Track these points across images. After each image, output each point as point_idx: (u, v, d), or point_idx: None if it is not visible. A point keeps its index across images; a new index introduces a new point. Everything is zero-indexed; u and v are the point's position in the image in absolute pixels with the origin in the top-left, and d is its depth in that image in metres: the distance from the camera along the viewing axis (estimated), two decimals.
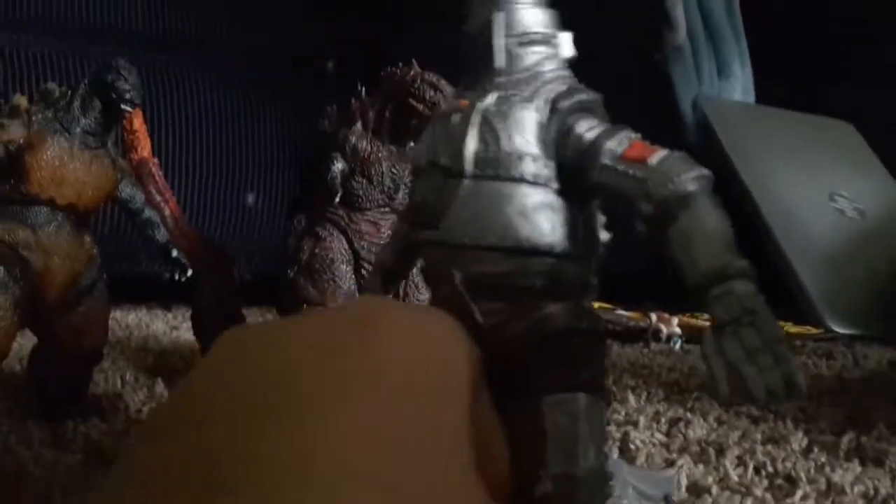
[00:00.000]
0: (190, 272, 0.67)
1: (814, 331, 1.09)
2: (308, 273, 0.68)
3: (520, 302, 0.29)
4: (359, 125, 0.70)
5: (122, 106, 0.58)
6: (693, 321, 1.18)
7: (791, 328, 1.13)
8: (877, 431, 0.62)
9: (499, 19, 0.31)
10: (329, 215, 0.70)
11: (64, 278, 0.58)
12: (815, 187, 1.09)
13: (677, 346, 1.10)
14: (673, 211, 0.26)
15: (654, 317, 1.14)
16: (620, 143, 0.28)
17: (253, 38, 1.39)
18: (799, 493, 0.47)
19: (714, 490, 0.47)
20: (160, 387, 0.69)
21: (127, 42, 1.28)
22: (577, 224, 0.30)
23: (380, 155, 0.69)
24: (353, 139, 0.69)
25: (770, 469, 0.52)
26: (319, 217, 0.70)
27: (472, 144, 0.29)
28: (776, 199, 1.04)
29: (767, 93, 1.32)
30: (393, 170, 0.69)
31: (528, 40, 0.31)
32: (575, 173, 0.29)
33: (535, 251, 0.29)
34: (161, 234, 0.66)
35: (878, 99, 1.33)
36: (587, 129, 0.29)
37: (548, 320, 0.29)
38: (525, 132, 0.29)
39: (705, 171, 0.27)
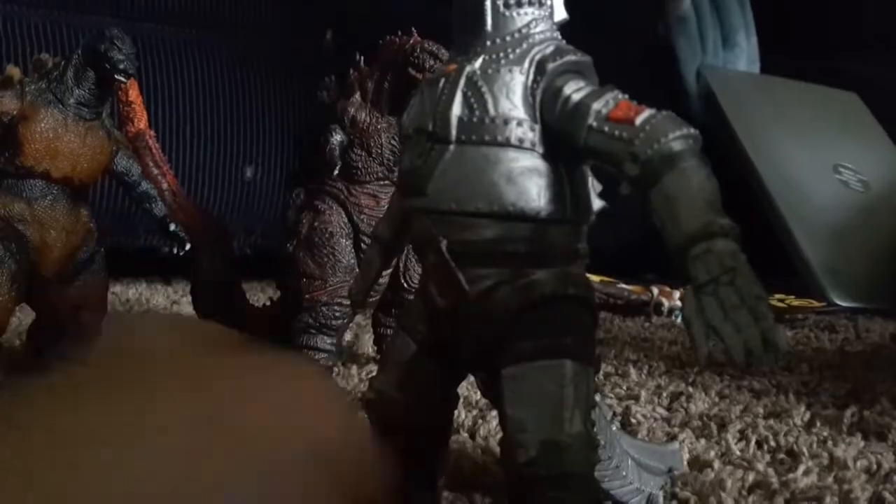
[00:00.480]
0: (188, 246, 0.66)
1: (816, 304, 1.08)
2: (307, 247, 0.68)
3: (506, 268, 0.29)
4: (357, 96, 0.69)
5: (116, 76, 0.57)
6: None
7: (794, 301, 1.13)
8: (879, 405, 0.62)
9: None
10: (328, 188, 0.69)
11: (61, 252, 0.57)
12: (819, 158, 1.08)
13: (679, 320, 1.10)
14: (658, 171, 0.26)
15: (655, 290, 1.13)
16: (606, 104, 0.28)
17: (251, 8, 1.37)
18: (801, 468, 0.47)
19: (716, 464, 0.47)
20: None
21: (122, 12, 1.26)
22: (565, 189, 0.30)
23: (379, 126, 0.68)
24: (352, 110, 0.68)
25: (772, 443, 0.52)
26: (318, 190, 0.69)
27: (457, 109, 0.29)
28: (780, 170, 1.03)
29: (773, 63, 1.30)
30: (392, 141, 0.68)
31: (518, 1, 0.30)
32: (561, 136, 0.29)
33: (521, 216, 0.29)
34: (159, 208, 0.65)
35: (885, 69, 1.32)
36: (574, 90, 0.29)
37: (533, 286, 0.29)
38: (511, 95, 0.29)
39: (692, 131, 0.27)
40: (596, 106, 0.28)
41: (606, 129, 0.27)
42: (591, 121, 0.28)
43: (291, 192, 0.73)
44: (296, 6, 1.38)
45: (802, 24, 1.42)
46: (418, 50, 0.65)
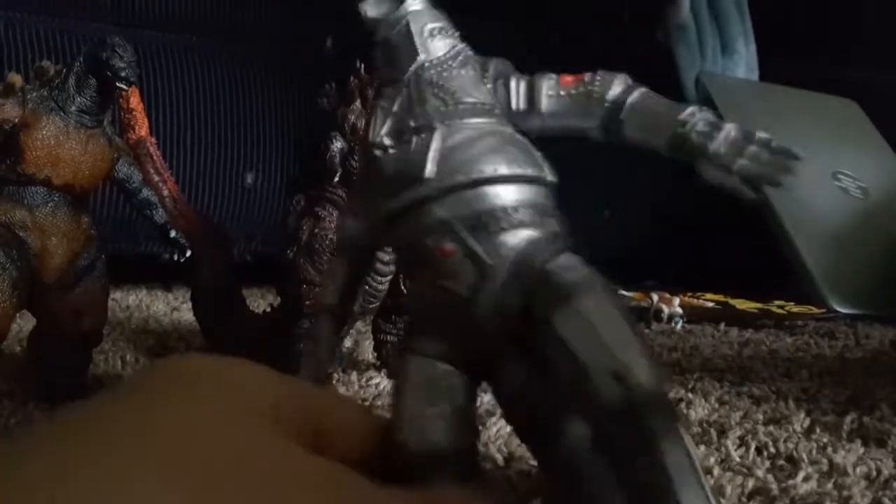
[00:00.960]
0: (189, 252, 0.66)
1: (816, 310, 1.08)
2: (307, 253, 0.68)
3: (521, 230, 0.30)
4: (358, 103, 0.69)
5: (118, 84, 0.57)
6: (694, 301, 1.18)
7: (793, 308, 1.13)
8: (879, 412, 0.62)
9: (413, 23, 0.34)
10: (328, 195, 0.69)
11: (62, 258, 0.58)
12: (819, 165, 1.08)
13: (678, 327, 1.10)
14: (622, 102, 0.32)
15: (655, 297, 1.14)
16: (550, 77, 0.33)
17: (251, 15, 1.38)
18: (801, 474, 0.47)
19: (716, 471, 0.47)
20: None
21: (123, 19, 1.26)
22: (537, 154, 0.33)
23: None
24: (353, 118, 0.68)
25: (772, 450, 0.52)
26: (319, 197, 0.70)
27: (431, 103, 0.32)
28: None
29: (771, 69, 1.31)
30: None
31: (439, 31, 0.34)
32: (523, 115, 0.33)
33: (534, 178, 0.31)
34: (159, 215, 0.65)
35: (883, 77, 1.32)
36: (517, 77, 0.34)
37: (557, 238, 0.31)
38: (471, 86, 0.33)
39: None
40: (545, 81, 0.33)
41: (563, 91, 0.33)
42: (548, 91, 0.33)
43: (292, 198, 0.73)
44: (296, 13, 1.38)
45: (803, 28, 1.43)
46: None
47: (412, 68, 0.33)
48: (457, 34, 0.35)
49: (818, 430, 0.57)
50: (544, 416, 0.30)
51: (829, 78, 1.29)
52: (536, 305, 0.29)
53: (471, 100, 0.32)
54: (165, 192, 0.68)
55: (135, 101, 0.69)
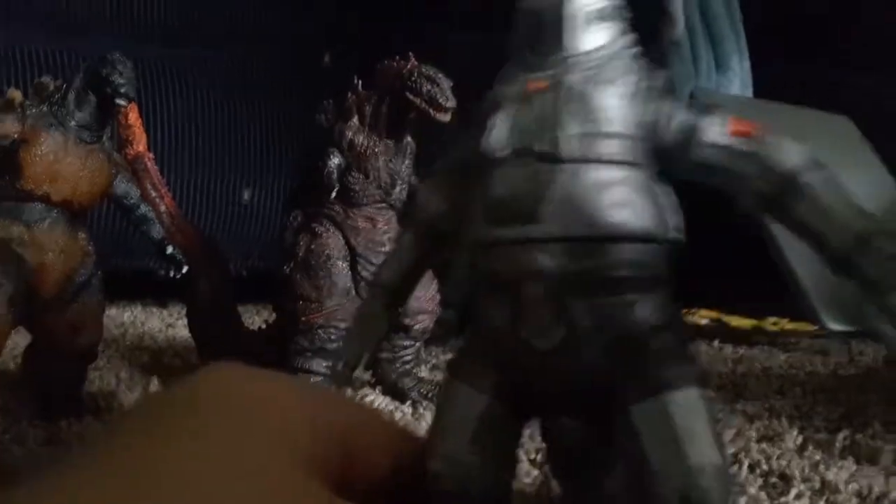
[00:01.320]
0: (185, 269, 0.66)
1: (810, 327, 1.09)
2: (304, 269, 0.68)
3: (624, 294, 0.27)
4: (355, 119, 0.70)
5: (117, 100, 0.57)
6: (688, 318, 1.18)
7: (787, 324, 1.14)
8: (871, 429, 0.62)
9: None
10: (325, 211, 0.70)
11: (58, 275, 0.58)
12: None
13: None
14: (795, 182, 0.26)
15: None
16: (722, 120, 0.28)
17: (249, 32, 1.39)
18: (793, 492, 0.47)
19: None
20: (155, 385, 0.69)
21: (122, 35, 1.27)
22: (666, 208, 0.28)
23: (376, 150, 0.69)
24: (350, 134, 0.69)
25: (765, 467, 0.52)
26: (315, 213, 0.70)
27: (567, 126, 0.27)
28: None
29: (765, 79, 1.32)
30: (389, 165, 0.69)
31: (601, 16, 0.29)
32: (673, 154, 0.28)
33: (649, 237, 0.27)
34: (157, 231, 0.66)
35: (878, 86, 1.32)
36: (679, 107, 0.28)
37: (664, 307, 0.28)
38: (617, 107, 0.27)
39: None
40: (711, 121, 0.27)
41: (727, 143, 0.27)
42: (710, 137, 0.27)
43: (289, 214, 0.73)
44: (294, 29, 1.39)
45: (802, 34, 1.43)
46: (416, 74, 0.66)
47: (554, 63, 0.28)
48: (623, 19, 0.29)
49: (811, 448, 0.57)
50: (593, 474, 0.29)
51: (829, 81, 1.29)
52: (620, 385, 0.26)
53: (614, 129, 0.27)
54: (163, 208, 0.68)
55: (133, 116, 0.69)
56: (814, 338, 1.13)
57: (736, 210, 0.28)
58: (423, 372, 0.79)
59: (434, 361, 0.86)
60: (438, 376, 0.76)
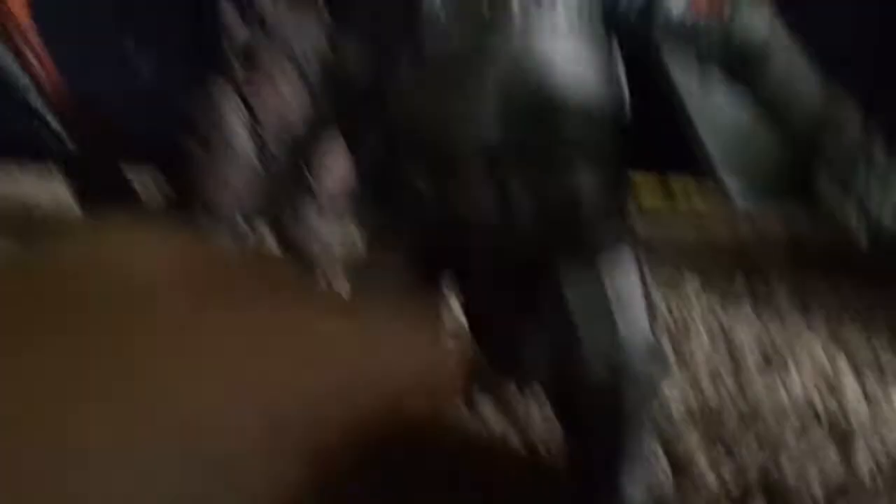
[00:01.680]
0: (72, 145, 0.62)
1: (720, 202, 1.11)
2: (199, 134, 0.64)
3: (558, 168, 0.27)
4: None
5: None
6: None
7: (699, 205, 1.15)
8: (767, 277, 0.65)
9: None
10: (223, 69, 0.65)
11: None
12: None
13: None
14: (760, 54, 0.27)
15: None
16: None
17: None
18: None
19: None
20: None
21: None
22: (613, 82, 0.27)
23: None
24: None
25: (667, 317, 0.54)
26: (212, 72, 0.65)
27: None
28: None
29: None
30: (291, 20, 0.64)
31: None
32: (635, 31, 0.27)
33: (584, 109, 0.26)
34: (35, 99, 0.60)
35: None
36: None
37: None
38: None
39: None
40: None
41: (689, 20, 0.27)
42: (671, 12, 0.27)
43: (181, 73, 0.68)
44: None
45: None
46: None
47: None
48: None
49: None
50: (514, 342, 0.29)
51: None
52: (552, 253, 0.26)
53: None
54: (41, 74, 0.62)
55: None
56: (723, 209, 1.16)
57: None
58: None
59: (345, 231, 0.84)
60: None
